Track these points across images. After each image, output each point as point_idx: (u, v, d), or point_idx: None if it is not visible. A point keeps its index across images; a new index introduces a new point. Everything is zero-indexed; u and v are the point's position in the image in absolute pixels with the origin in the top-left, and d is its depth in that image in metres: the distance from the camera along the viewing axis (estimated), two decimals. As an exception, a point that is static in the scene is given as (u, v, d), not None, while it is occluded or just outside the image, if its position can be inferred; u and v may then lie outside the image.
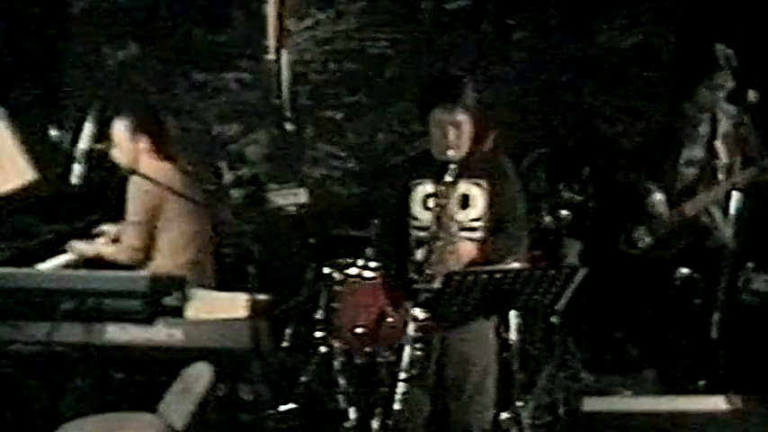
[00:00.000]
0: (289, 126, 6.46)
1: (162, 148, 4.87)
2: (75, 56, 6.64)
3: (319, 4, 6.57)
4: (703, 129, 5.25)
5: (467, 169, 4.09)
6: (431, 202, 4.11)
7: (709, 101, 5.18)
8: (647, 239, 5.37)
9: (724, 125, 5.21)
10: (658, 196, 5.31)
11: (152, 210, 4.70)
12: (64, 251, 4.96)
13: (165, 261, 4.71)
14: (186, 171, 4.96)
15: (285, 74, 6.40)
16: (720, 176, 5.20)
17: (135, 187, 4.69)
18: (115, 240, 4.97)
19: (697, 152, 5.26)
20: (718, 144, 5.22)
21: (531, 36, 6.49)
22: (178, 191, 4.62)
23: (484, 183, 4.13)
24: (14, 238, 4.87)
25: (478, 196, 4.13)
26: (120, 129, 4.84)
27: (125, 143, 4.83)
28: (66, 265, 4.84)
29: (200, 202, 4.86)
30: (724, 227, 5.20)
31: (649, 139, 5.54)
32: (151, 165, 4.79)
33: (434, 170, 4.10)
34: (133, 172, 4.67)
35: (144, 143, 4.82)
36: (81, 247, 4.95)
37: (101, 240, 5.05)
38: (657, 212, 5.32)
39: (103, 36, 6.64)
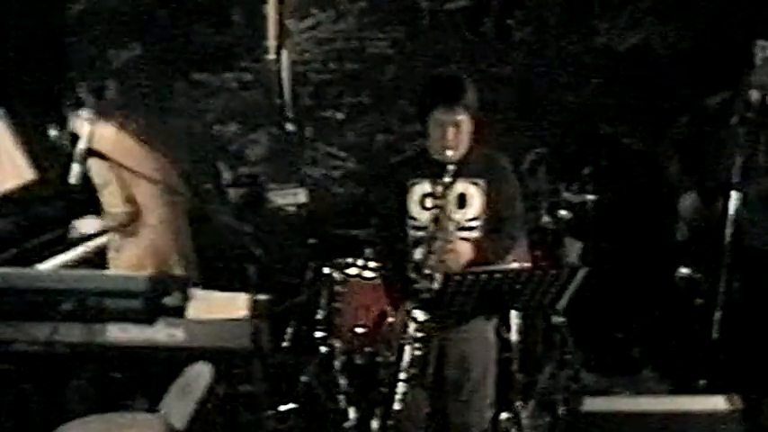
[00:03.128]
0: (289, 126, 6.46)
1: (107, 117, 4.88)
2: (75, 56, 6.64)
3: (319, 4, 6.57)
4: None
5: (464, 168, 4.09)
6: (428, 202, 4.11)
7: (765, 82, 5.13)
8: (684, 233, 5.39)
9: None
10: (691, 196, 5.33)
11: (112, 168, 4.72)
12: (64, 251, 4.96)
13: (155, 231, 4.81)
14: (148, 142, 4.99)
15: (285, 74, 6.40)
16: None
17: (94, 166, 4.70)
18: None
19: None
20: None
21: (531, 36, 6.49)
22: (130, 168, 4.68)
23: (481, 182, 4.13)
24: (14, 238, 4.87)
25: (476, 196, 4.13)
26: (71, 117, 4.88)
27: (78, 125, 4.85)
28: (67, 265, 4.84)
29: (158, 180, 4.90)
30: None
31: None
32: (105, 138, 4.80)
33: (432, 170, 4.10)
34: (89, 152, 4.67)
35: (89, 115, 4.83)
36: (83, 226, 4.95)
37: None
38: (688, 212, 5.33)
39: (104, 36, 6.64)
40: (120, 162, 4.64)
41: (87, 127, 4.79)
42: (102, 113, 4.85)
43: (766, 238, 5.22)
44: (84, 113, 4.81)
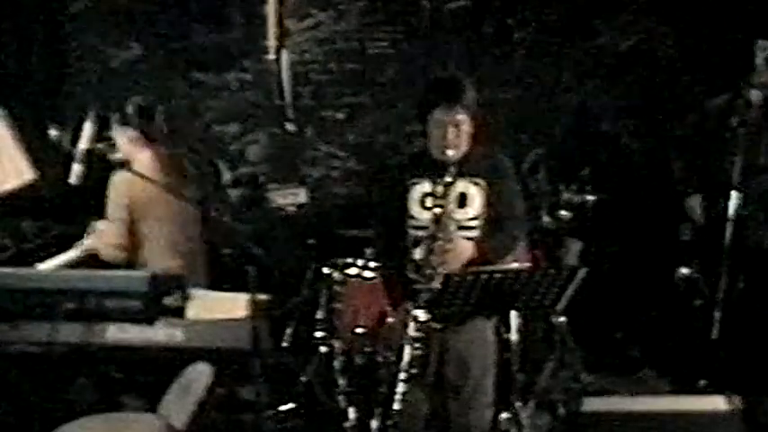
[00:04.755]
0: (289, 126, 6.46)
1: (150, 140, 4.85)
2: (75, 56, 6.64)
3: (320, 4, 6.57)
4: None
5: (465, 168, 4.09)
6: (428, 202, 4.11)
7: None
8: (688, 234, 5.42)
9: None
10: (696, 199, 5.35)
11: (129, 207, 4.69)
12: (64, 251, 4.95)
13: (156, 263, 4.71)
14: (182, 170, 4.95)
15: (285, 74, 6.40)
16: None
17: (113, 185, 4.69)
18: None
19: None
20: None
21: (531, 36, 6.49)
22: (163, 185, 4.62)
23: (482, 182, 4.13)
24: (14, 238, 4.87)
25: (476, 195, 4.13)
26: (114, 126, 4.85)
27: (119, 138, 4.83)
28: (67, 265, 4.84)
29: (190, 200, 4.84)
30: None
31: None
32: (140, 161, 4.78)
33: (432, 170, 4.10)
34: (123, 165, 4.65)
35: (133, 135, 4.82)
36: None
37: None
38: (694, 214, 5.35)
39: (104, 36, 6.64)
40: (155, 183, 4.59)
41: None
42: (148, 136, 4.84)
43: (766, 238, 5.23)
44: (129, 132, 4.80)
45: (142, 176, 4.51)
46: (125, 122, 4.82)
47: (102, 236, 4.79)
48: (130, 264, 4.74)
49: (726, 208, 5.18)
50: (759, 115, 5.23)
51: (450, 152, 4.04)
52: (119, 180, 4.66)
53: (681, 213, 5.57)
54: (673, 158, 5.57)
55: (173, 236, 4.77)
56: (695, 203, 5.41)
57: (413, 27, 6.54)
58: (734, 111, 5.30)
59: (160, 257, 4.73)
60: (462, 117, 4.05)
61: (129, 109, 4.86)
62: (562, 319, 5.32)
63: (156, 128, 4.91)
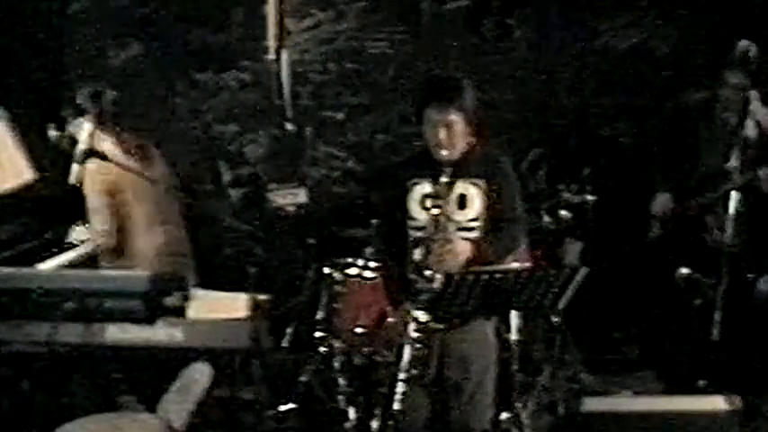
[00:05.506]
0: (289, 126, 6.45)
1: (105, 124, 4.90)
2: (75, 56, 6.64)
3: (320, 4, 6.57)
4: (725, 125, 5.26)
5: (464, 169, 4.09)
6: (428, 203, 4.11)
7: (741, 83, 5.16)
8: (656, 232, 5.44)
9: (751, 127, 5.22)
10: (664, 195, 5.37)
11: (107, 192, 4.79)
12: (64, 251, 4.95)
13: (141, 241, 4.83)
14: (147, 153, 5.01)
15: (285, 74, 6.39)
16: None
17: (88, 176, 4.77)
18: None
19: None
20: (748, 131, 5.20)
21: (531, 36, 6.49)
22: (129, 166, 4.75)
23: (481, 182, 4.12)
24: (14, 238, 4.87)
25: (476, 196, 4.12)
26: (70, 120, 4.91)
27: (79, 131, 4.88)
28: (66, 265, 4.84)
29: (158, 180, 4.94)
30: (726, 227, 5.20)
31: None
32: (104, 149, 4.85)
33: (432, 170, 4.10)
34: (90, 153, 4.73)
35: (89, 125, 4.85)
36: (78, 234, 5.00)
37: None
38: (659, 211, 5.38)
39: (104, 36, 6.64)
40: (122, 165, 4.70)
41: (87, 129, 4.80)
42: (101, 122, 4.88)
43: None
44: (86, 122, 4.84)
45: (107, 159, 4.68)
46: (80, 113, 4.85)
47: (90, 228, 4.86)
48: (118, 249, 4.83)
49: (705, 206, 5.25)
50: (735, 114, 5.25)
51: (443, 152, 4.04)
52: (90, 169, 4.76)
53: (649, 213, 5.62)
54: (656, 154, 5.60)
55: (149, 215, 4.88)
56: (662, 201, 5.47)
57: (413, 27, 6.54)
58: (715, 109, 5.33)
59: (142, 236, 4.85)
60: (455, 117, 4.03)
61: (80, 98, 4.89)
62: (561, 319, 5.32)
63: (108, 112, 4.94)
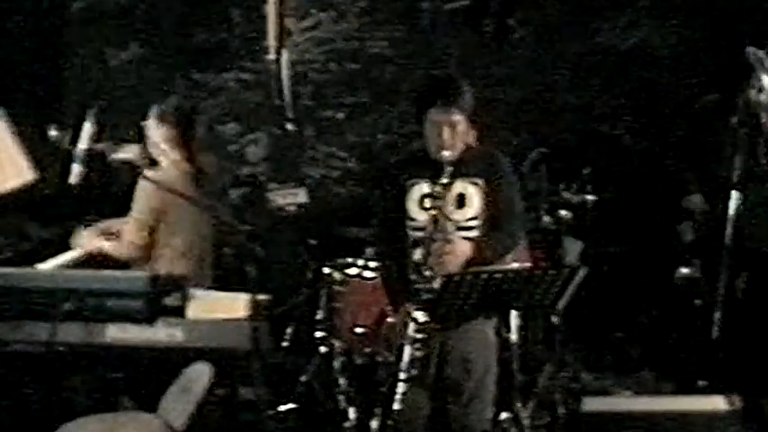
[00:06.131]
0: (289, 126, 6.46)
1: (186, 143, 4.84)
2: (75, 56, 6.64)
3: (320, 4, 6.57)
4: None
5: (463, 168, 4.09)
6: (427, 203, 4.11)
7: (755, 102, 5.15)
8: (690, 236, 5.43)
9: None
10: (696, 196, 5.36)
11: (156, 211, 4.70)
12: (64, 251, 4.95)
13: (165, 267, 4.70)
14: (203, 171, 4.93)
15: (285, 74, 6.39)
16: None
17: (144, 189, 4.68)
18: (115, 236, 4.96)
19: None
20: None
21: (531, 36, 6.49)
22: (187, 195, 4.63)
23: (480, 182, 4.12)
24: (14, 238, 4.87)
25: (475, 195, 4.13)
26: (150, 119, 4.84)
27: (152, 132, 4.82)
28: (67, 265, 4.84)
29: (209, 206, 4.83)
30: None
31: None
32: (169, 165, 4.79)
33: (431, 170, 4.10)
34: (152, 164, 4.68)
35: (168, 133, 4.81)
36: (85, 239, 4.94)
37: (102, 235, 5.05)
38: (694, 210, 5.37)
39: (104, 36, 6.64)
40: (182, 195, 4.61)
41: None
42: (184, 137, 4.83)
43: (766, 238, 5.22)
44: (165, 129, 4.79)
45: (170, 190, 4.55)
46: (162, 120, 4.82)
47: (124, 234, 4.78)
48: (134, 264, 4.76)
49: (726, 208, 5.19)
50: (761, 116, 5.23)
51: (445, 152, 4.04)
52: (151, 186, 4.64)
53: (681, 213, 5.58)
54: (671, 157, 5.58)
55: (186, 242, 4.78)
56: (697, 201, 5.43)
57: (413, 27, 6.54)
58: (733, 110, 5.30)
59: (169, 262, 4.72)
60: (458, 117, 4.04)
61: (166, 107, 4.86)
62: (560, 319, 5.32)
63: (193, 132, 4.90)
